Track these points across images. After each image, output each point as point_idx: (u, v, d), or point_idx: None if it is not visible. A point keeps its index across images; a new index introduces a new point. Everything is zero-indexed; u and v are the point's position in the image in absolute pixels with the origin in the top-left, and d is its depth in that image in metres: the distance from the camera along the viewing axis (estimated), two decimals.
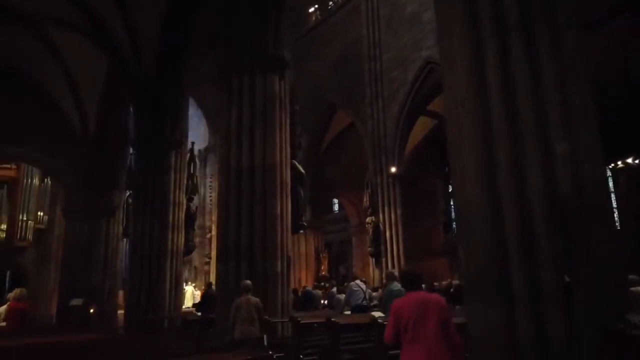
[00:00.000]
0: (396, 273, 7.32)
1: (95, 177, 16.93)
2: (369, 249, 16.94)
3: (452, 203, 20.26)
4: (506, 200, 4.21)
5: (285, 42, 9.62)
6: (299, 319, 6.43)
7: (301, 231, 9.84)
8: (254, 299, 6.84)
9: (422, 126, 18.54)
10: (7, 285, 23.83)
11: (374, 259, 16.92)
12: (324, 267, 21.44)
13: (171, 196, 12.75)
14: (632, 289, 6.11)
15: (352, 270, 23.74)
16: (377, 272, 16.52)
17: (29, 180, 22.64)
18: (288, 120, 9.40)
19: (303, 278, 20.79)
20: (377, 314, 7.08)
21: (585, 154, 4.19)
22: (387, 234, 16.41)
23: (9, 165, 22.06)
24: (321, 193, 22.27)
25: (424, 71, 16.52)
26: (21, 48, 15.94)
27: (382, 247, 16.39)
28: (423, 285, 4.76)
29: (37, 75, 16.82)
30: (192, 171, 14.07)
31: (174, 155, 13.02)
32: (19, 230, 22.32)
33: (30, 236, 22.63)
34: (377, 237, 16.55)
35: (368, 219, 17.14)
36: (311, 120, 21.70)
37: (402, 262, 16.03)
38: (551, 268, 3.97)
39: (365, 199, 17.43)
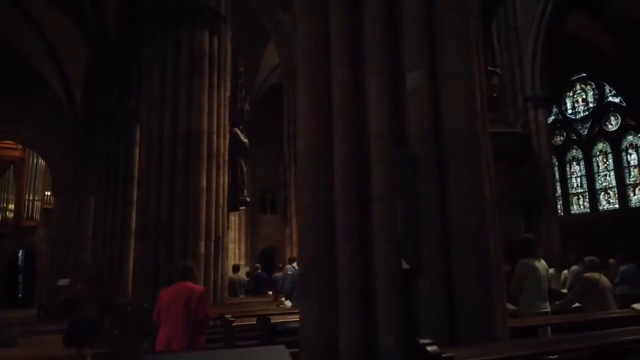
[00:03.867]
0: None
1: (83, 153, 16.46)
2: None
3: None
4: (338, 151, 3.04)
5: None
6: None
7: (242, 208, 8.77)
8: None
9: None
10: (20, 263, 24.22)
11: None
12: None
13: (136, 171, 12.00)
14: (587, 274, 4.74)
15: None
16: None
17: (35, 160, 22.57)
18: (227, 83, 8.32)
19: None
20: (287, 303, 6.04)
21: (447, 80, 2.93)
22: None
23: (14, 145, 22.00)
24: None
25: None
26: (5, 22, 15.53)
27: None
28: None
29: (23, 52, 16.42)
30: None
31: (139, 128, 12.22)
32: (26, 210, 22.39)
33: (37, 216, 22.65)
34: None
35: None
36: None
37: None
38: (387, 244, 2.80)
39: None
